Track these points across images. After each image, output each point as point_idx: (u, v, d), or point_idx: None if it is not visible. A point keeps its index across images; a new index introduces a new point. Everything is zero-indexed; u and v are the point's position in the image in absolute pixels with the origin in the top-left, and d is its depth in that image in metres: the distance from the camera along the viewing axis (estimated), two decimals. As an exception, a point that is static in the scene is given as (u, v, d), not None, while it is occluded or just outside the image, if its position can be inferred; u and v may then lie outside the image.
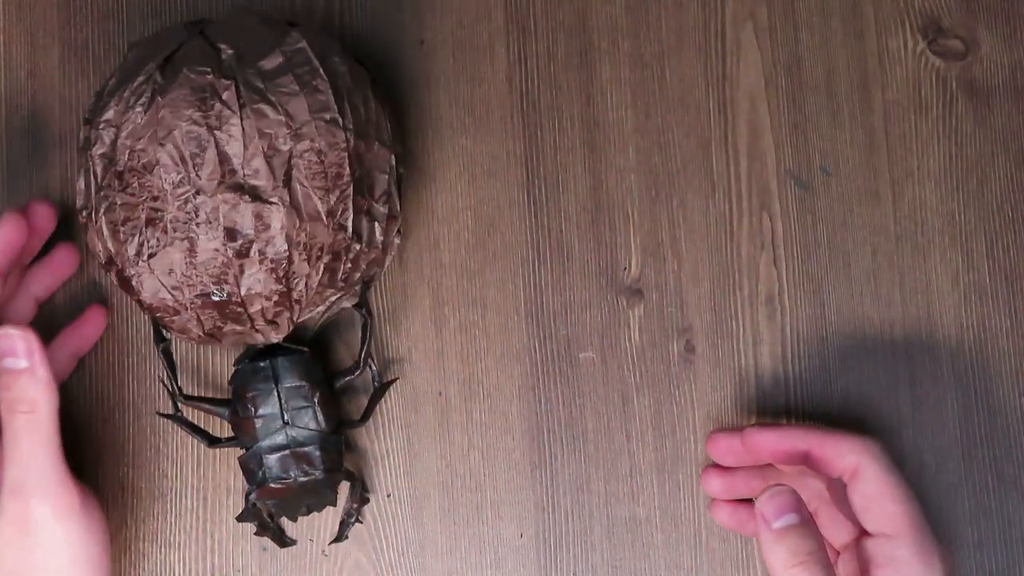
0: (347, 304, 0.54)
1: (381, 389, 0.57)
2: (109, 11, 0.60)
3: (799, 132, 0.60)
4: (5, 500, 0.49)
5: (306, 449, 0.53)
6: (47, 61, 0.60)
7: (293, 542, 0.57)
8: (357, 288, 0.54)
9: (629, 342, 0.58)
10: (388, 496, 0.57)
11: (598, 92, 0.60)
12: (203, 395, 0.57)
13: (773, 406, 0.58)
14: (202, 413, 0.57)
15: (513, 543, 0.57)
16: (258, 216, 0.49)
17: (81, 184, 0.52)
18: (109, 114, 0.51)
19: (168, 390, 0.55)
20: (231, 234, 0.49)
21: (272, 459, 0.53)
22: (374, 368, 0.56)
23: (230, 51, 0.50)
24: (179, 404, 0.55)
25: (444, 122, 0.60)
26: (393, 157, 0.54)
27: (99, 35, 0.60)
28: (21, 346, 0.49)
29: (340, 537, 0.56)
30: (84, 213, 0.52)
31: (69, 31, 0.60)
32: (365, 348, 0.55)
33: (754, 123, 0.60)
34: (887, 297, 0.59)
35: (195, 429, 0.55)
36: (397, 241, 0.55)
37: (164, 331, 0.54)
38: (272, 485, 0.53)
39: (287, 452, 0.53)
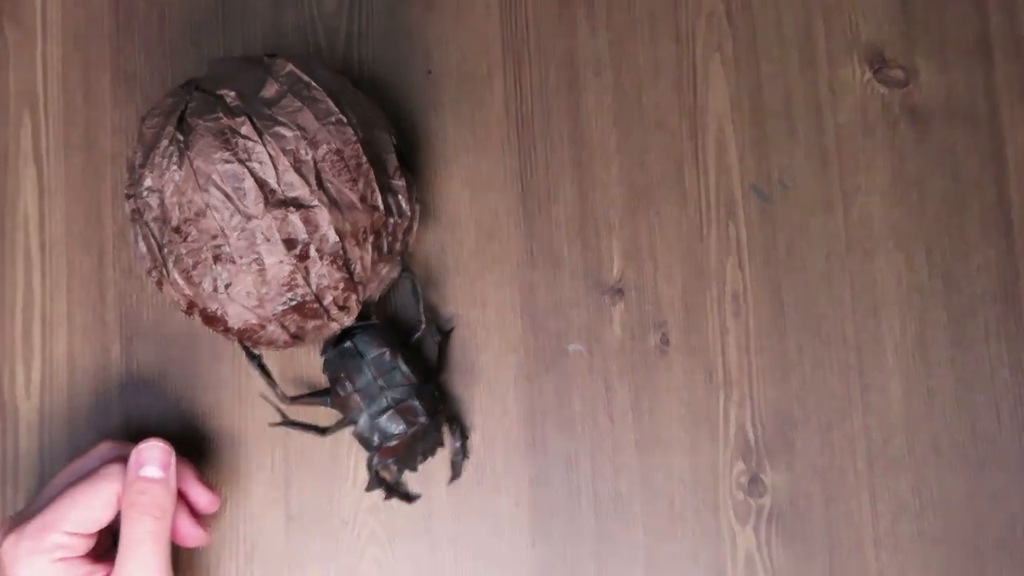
0: (394, 275, 0.57)
1: (444, 339, 0.60)
2: (153, 44, 0.63)
3: (760, 150, 0.61)
4: None
5: (406, 403, 0.57)
6: (100, 87, 0.62)
7: (418, 496, 0.59)
8: (398, 259, 0.57)
9: (612, 335, 0.60)
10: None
11: (584, 116, 0.62)
12: (301, 393, 0.60)
13: (739, 391, 0.60)
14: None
15: (509, 512, 0.59)
16: (307, 221, 0.52)
17: (143, 249, 0.54)
18: (148, 182, 0.53)
19: (271, 401, 0.59)
20: (290, 244, 0.52)
21: (382, 421, 0.56)
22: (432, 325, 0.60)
23: (232, 93, 0.53)
24: (283, 411, 0.59)
25: (449, 142, 0.62)
26: (391, 137, 0.56)
27: (144, 64, 0.63)
28: (163, 458, 0.53)
29: (455, 474, 0.59)
30: (154, 273, 0.54)
31: (119, 61, 0.62)
32: (422, 303, 0.58)
33: (721, 142, 0.61)
34: (839, 295, 0.60)
35: (307, 427, 0.58)
36: (418, 207, 0.57)
37: (253, 349, 0.58)
38: (389, 444, 0.57)
39: (392, 411, 0.56)
